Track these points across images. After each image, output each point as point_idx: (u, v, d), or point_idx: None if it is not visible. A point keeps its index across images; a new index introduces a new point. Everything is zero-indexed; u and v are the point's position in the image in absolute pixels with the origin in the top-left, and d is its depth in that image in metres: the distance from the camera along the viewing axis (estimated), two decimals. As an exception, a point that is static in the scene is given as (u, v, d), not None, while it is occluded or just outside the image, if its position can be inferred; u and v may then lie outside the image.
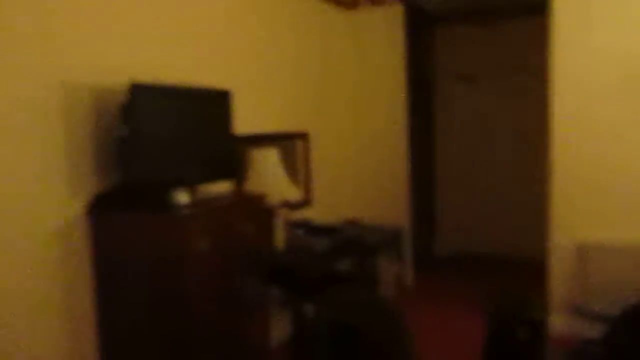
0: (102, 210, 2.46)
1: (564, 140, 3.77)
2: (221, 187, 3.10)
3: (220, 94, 2.80)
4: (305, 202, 4.23)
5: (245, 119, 3.43)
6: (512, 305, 2.94)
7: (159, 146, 2.44)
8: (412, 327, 3.46)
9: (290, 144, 4.07)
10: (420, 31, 5.50)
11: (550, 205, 3.86)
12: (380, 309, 2.14)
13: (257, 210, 2.87)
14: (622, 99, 3.61)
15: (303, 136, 4.24)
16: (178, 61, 2.97)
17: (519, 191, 5.86)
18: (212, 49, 3.25)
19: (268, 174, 3.19)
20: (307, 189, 4.27)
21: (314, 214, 4.34)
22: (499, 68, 5.83)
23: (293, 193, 3.32)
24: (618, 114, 3.62)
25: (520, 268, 5.44)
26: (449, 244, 6.22)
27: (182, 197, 2.51)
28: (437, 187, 6.22)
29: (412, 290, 5.02)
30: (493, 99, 5.92)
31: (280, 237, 3.42)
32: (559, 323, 3.83)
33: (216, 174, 2.82)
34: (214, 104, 2.75)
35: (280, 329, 3.90)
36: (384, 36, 4.95)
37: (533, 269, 4.59)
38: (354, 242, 4.08)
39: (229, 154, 2.85)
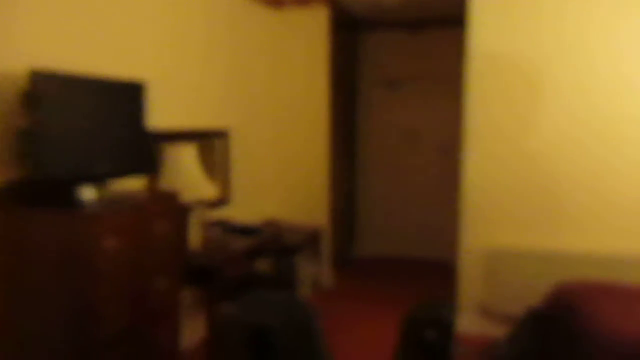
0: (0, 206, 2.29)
1: (475, 148, 3.93)
2: (133, 184, 2.98)
3: (134, 86, 2.69)
4: (223, 201, 4.15)
5: (162, 114, 3.31)
6: (422, 307, 3.02)
7: (65, 139, 2.30)
8: (328, 327, 3.48)
9: (209, 141, 3.98)
10: (346, 35, 5.56)
11: (461, 210, 4.01)
12: (293, 310, 2.13)
13: (171, 208, 2.78)
14: (527, 108, 3.81)
15: (223, 134, 4.16)
16: (88, 49, 2.81)
17: (438, 196, 6.06)
18: (126, 39, 3.11)
19: (183, 171, 3.10)
20: (225, 187, 4.20)
21: (233, 213, 4.27)
22: (422, 76, 6.00)
23: (209, 191, 3.24)
24: (524, 124, 3.82)
25: (438, 270, 5.63)
26: (369, 246, 6.33)
27: (89, 193, 2.39)
28: (358, 189, 6.31)
29: (330, 292, 5.06)
30: (415, 105, 6.08)
31: (196, 236, 3.33)
32: (467, 323, 3.98)
33: (128, 170, 2.70)
34: (126, 96, 2.64)
35: (194, 331, 3.80)
36: (308, 37, 4.96)
37: (449, 272, 4.74)
38: (272, 242, 4.05)
39: (142, 149, 2.74)
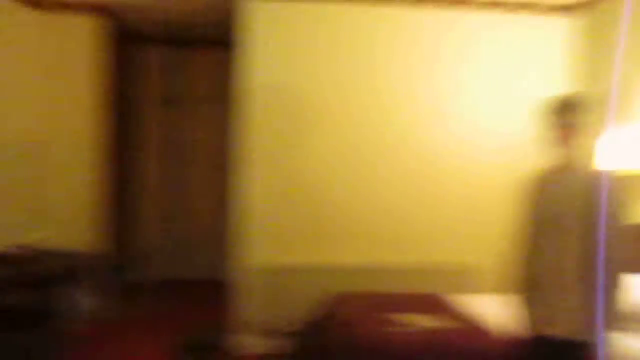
0: None
1: (247, 169, 3.97)
2: None
3: None
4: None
5: None
6: (195, 332, 2.93)
7: None
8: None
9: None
10: (122, 49, 5.24)
11: (235, 229, 4.01)
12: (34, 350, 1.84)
13: None
14: (300, 135, 4.00)
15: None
16: None
17: (215, 214, 5.97)
18: None
19: None
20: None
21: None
22: (197, 94, 5.96)
23: None
24: (294, 149, 4.00)
25: (220, 292, 5.52)
26: (151, 271, 5.96)
27: None
28: (140, 212, 5.95)
29: (109, 323, 4.60)
30: (191, 122, 6.02)
31: None
32: (248, 342, 3.92)
33: None
34: None
35: None
36: (81, 47, 4.53)
37: (226, 291, 4.66)
38: (26, 271, 3.54)
39: None
